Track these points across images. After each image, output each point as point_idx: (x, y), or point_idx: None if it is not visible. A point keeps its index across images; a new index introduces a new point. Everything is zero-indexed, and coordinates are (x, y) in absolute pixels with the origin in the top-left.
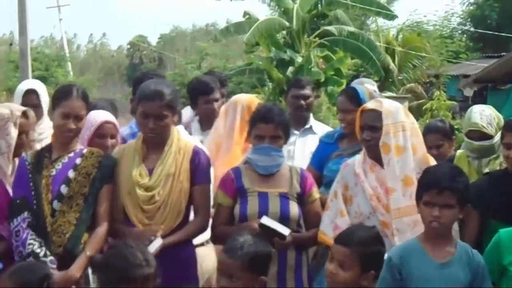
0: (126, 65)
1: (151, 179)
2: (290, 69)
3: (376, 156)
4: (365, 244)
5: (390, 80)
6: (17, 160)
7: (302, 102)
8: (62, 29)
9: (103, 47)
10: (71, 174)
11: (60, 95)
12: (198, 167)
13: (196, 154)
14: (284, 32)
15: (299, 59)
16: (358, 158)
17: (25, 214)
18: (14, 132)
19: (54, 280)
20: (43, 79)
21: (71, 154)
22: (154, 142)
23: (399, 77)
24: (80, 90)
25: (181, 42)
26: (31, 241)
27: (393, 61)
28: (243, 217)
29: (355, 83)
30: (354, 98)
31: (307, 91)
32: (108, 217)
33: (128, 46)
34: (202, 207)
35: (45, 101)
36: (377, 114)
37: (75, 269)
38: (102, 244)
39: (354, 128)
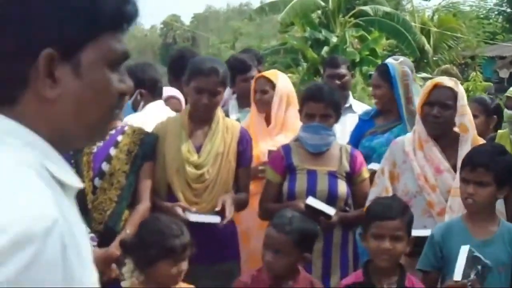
0: (160, 45)
1: (200, 156)
2: (325, 49)
3: (435, 134)
4: (407, 212)
5: (425, 61)
6: None
7: (337, 81)
8: None
9: (136, 26)
10: (112, 151)
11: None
12: (246, 149)
13: (243, 136)
14: (319, 11)
15: (334, 39)
16: (408, 136)
17: None
18: None
19: (94, 257)
20: None
21: (112, 131)
22: (202, 118)
23: (434, 58)
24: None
25: (214, 22)
26: None
27: (428, 42)
28: (291, 194)
29: (390, 59)
30: (385, 73)
31: (342, 70)
32: (150, 194)
33: (162, 26)
34: (245, 188)
35: None
36: (452, 93)
37: (116, 247)
38: None
39: (385, 104)
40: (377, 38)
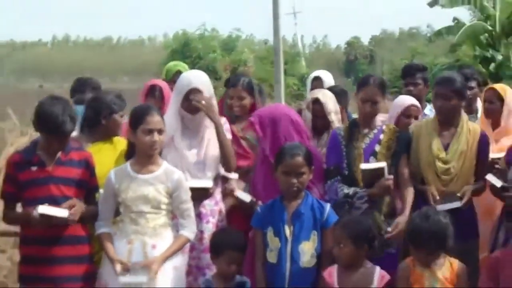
0: (344, 61)
1: (447, 153)
2: (492, 65)
3: None
4: None
5: None
6: None
7: None
8: (298, 32)
9: (324, 46)
10: (377, 147)
11: (359, 84)
12: (484, 149)
13: (482, 138)
14: (487, 34)
15: (499, 57)
16: None
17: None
18: None
19: None
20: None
21: (375, 130)
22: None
23: None
24: (378, 80)
25: (389, 42)
26: (340, 186)
27: None
28: None
29: None
30: None
31: None
32: (411, 181)
33: (345, 45)
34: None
35: (327, 86)
36: None
37: None
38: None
39: None
40: None
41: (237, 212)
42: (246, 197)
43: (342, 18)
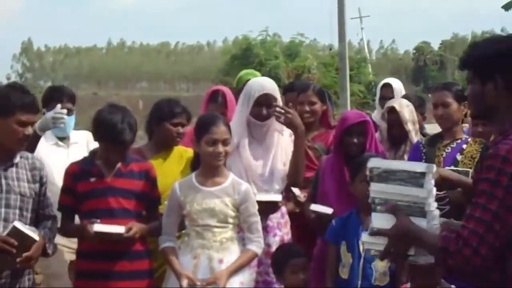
0: (412, 67)
1: None
2: None
3: None
4: None
5: None
6: None
7: None
8: (364, 36)
9: (392, 51)
10: (458, 156)
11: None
12: None
13: None
14: None
15: None
16: None
17: None
18: None
19: None
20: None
21: (459, 141)
22: None
23: None
24: (447, 83)
25: (460, 48)
26: None
27: None
28: None
29: None
30: None
31: None
32: None
33: (414, 51)
34: None
35: (398, 94)
36: None
37: None
38: None
39: None
40: None
41: (296, 221)
42: (327, 209)
43: (410, 22)
